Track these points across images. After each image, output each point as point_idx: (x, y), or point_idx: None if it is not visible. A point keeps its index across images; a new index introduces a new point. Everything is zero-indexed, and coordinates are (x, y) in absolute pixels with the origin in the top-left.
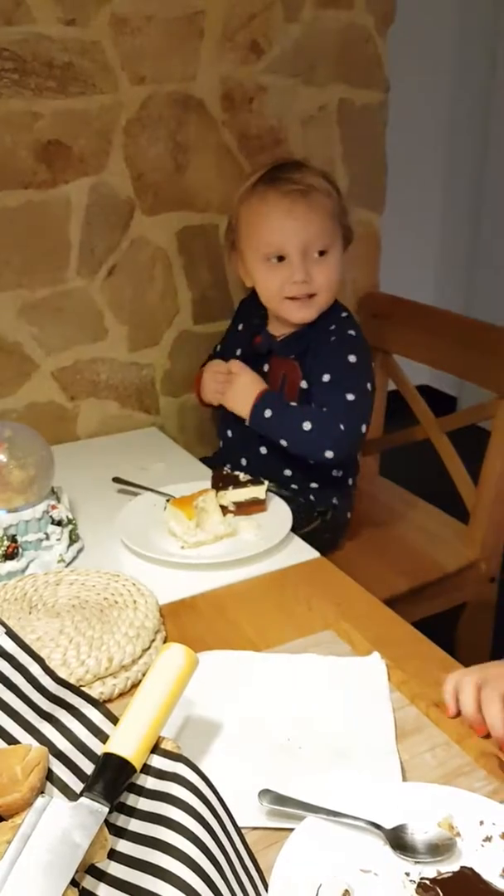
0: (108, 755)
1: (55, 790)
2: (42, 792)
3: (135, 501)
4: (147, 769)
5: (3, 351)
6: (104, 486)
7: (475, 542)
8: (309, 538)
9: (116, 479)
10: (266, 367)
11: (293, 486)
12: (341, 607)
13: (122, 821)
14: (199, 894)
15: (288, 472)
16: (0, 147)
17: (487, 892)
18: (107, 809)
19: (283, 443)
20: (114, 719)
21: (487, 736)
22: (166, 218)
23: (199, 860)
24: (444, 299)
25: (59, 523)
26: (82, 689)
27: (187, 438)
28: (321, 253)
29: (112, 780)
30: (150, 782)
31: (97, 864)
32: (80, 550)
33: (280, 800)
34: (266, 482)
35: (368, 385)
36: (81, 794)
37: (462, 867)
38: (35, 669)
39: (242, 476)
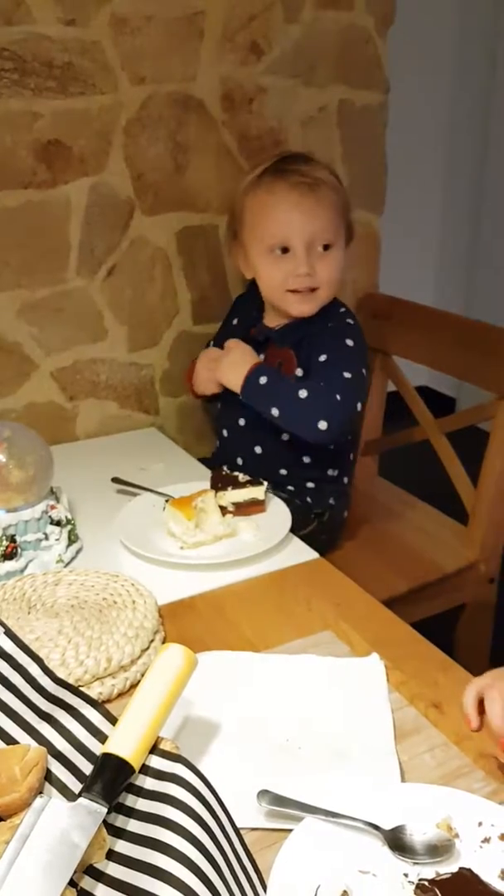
0: (106, 755)
1: (54, 790)
2: (41, 792)
3: (134, 502)
4: (146, 770)
5: (2, 351)
6: (103, 487)
7: (474, 543)
8: (307, 540)
9: (115, 480)
10: (262, 357)
11: (289, 487)
12: (340, 608)
13: (120, 821)
14: (198, 895)
15: (283, 472)
16: (0, 147)
17: (486, 894)
18: (105, 810)
19: (276, 412)
20: (112, 720)
21: None
22: (166, 218)
23: (198, 861)
24: (444, 300)
25: (58, 523)
26: (81, 689)
27: (186, 439)
28: (326, 247)
29: (111, 780)
30: (148, 783)
31: (96, 865)
32: (79, 551)
33: (279, 800)
34: (265, 483)
35: (364, 370)
36: (80, 795)
37: (461, 868)
38: (34, 670)
39: (242, 476)
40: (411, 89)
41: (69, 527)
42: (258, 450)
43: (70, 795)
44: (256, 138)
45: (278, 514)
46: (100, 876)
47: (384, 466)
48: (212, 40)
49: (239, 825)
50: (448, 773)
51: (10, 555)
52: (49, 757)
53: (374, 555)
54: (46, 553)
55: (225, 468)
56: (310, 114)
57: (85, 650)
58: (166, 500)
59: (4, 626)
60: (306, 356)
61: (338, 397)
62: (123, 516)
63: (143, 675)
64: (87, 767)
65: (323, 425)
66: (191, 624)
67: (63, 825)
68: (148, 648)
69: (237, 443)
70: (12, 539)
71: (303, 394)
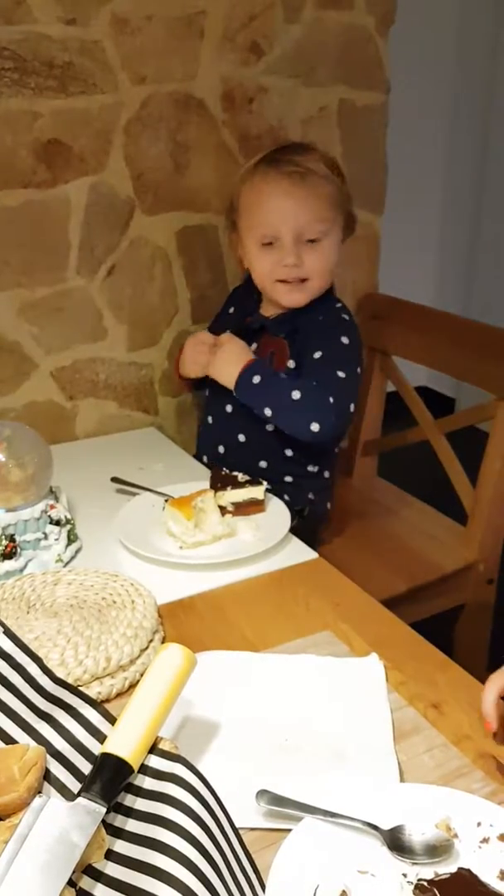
0: (105, 755)
1: (53, 790)
2: (39, 792)
3: (133, 501)
4: (145, 769)
5: (2, 350)
6: (103, 486)
7: (473, 544)
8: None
9: (115, 479)
10: (255, 346)
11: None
12: (339, 608)
13: (119, 821)
14: (197, 895)
15: (263, 464)
16: (0, 146)
17: (485, 894)
18: (104, 809)
19: (268, 412)
20: (112, 719)
21: None
22: (166, 218)
23: (197, 861)
24: (444, 300)
25: (57, 523)
26: (80, 689)
27: (185, 439)
28: (315, 239)
29: (110, 780)
30: (147, 782)
31: (94, 865)
32: (78, 550)
33: (278, 800)
34: (264, 483)
35: (358, 369)
36: (79, 794)
37: (459, 868)
38: (33, 669)
39: (241, 476)
40: (412, 89)
41: (68, 526)
42: (241, 438)
43: (69, 795)
44: (256, 138)
45: (277, 514)
46: (99, 876)
47: (384, 466)
48: (212, 40)
49: (238, 825)
50: (447, 773)
51: (9, 554)
52: (48, 756)
53: (373, 555)
54: (46, 552)
55: (224, 469)
56: (310, 114)
57: (84, 650)
58: (166, 500)
59: (4, 625)
60: (300, 347)
61: (331, 400)
62: (123, 516)
63: (142, 675)
64: (86, 767)
65: (315, 427)
66: (190, 624)
67: (62, 825)
68: (147, 648)
69: (221, 430)
70: (11, 538)
71: (296, 395)
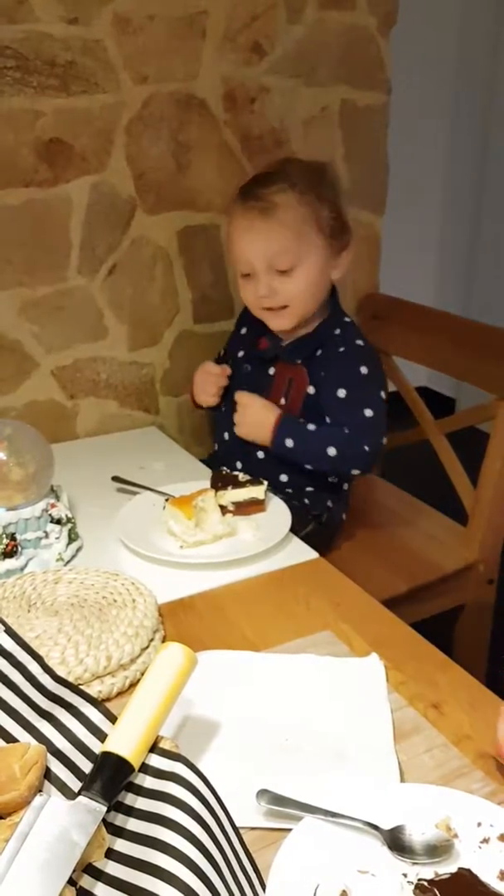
0: (106, 754)
1: (53, 789)
2: (40, 790)
3: (134, 501)
4: (145, 768)
5: (3, 349)
6: (103, 485)
7: (473, 544)
8: (304, 541)
9: (116, 479)
10: (272, 371)
11: (288, 490)
12: (340, 608)
13: (120, 820)
14: (197, 894)
15: (284, 478)
16: (2, 145)
17: (485, 894)
18: (105, 808)
19: (308, 467)
20: (112, 718)
21: None
22: (167, 217)
23: (198, 860)
24: (444, 300)
25: (58, 522)
26: (81, 687)
27: (186, 438)
28: (287, 270)
29: (110, 779)
30: (148, 781)
31: (95, 864)
32: (79, 549)
33: (278, 800)
34: (265, 482)
35: (382, 394)
36: (79, 793)
37: (460, 868)
38: (34, 668)
39: (242, 476)
40: (413, 90)
41: (69, 525)
42: (260, 454)
43: (69, 794)
44: (258, 138)
45: (278, 513)
46: (99, 875)
47: (384, 467)
48: (214, 40)
49: (238, 824)
50: (447, 773)
51: (10, 553)
52: (49, 755)
53: (373, 555)
54: (46, 551)
55: (225, 468)
56: (312, 114)
57: (85, 649)
58: (166, 500)
59: (4, 623)
60: (318, 375)
61: (366, 448)
62: (123, 515)
63: (142, 674)
64: (86, 766)
65: (356, 472)
66: (190, 623)
67: (62, 823)
68: (148, 647)
69: (238, 446)
70: (12, 537)
71: (332, 452)
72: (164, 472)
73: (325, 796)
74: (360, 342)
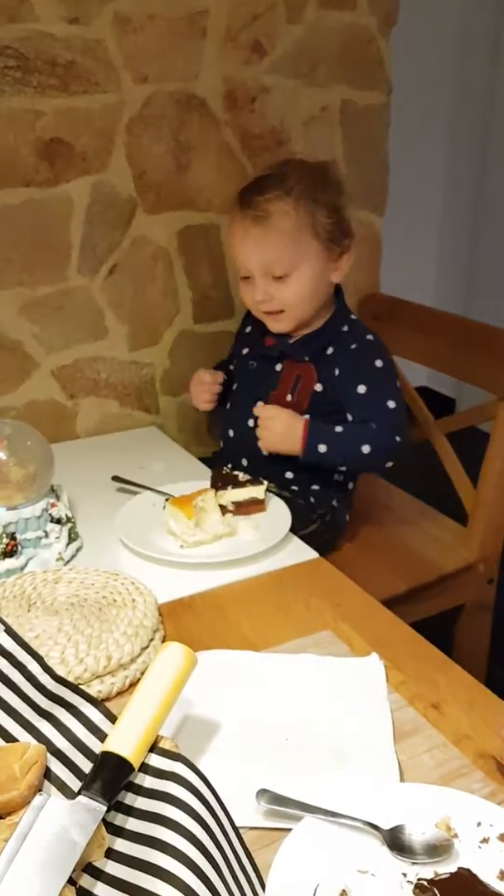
0: (106, 754)
1: (53, 788)
2: (40, 790)
3: (134, 500)
4: (145, 768)
5: (3, 349)
6: (103, 485)
7: (473, 544)
8: (307, 540)
9: (116, 478)
10: (279, 367)
11: (293, 487)
12: (340, 608)
13: (119, 820)
14: (197, 894)
15: (289, 475)
16: (2, 145)
17: (485, 894)
18: (104, 808)
19: (342, 467)
20: (112, 718)
21: None
22: (168, 217)
23: (197, 860)
24: (444, 300)
25: (58, 521)
26: (81, 687)
27: (186, 438)
28: (283, 276)
29: (110, 778)
30: (148, 781)
31: (95, 863)
32: (78, 549)
33: (278, 800)
34: (265, 482)
35: (398, 383)
36: (79, 793)
37: (459, 868)
38: (34, 667)
39: (242, 476)
40: (413, 90)
41: (69, 525)
42: (265, 451)
43: (69, 793)
44: (258, 138)
45: (278, 513)
46: (99, 874)
47: None
48: (214, 39)
49: (238, 824)
50: (447, 773)
51: (10, 552)
52: (48, 755)
53: (373, 555)
54: (46, 551)
55: (225, 468)
56: (312, 113)
57: (85, 648)
58: (166, 499)
59: (4, 623)
60: (327, 371)
61: (397, 439)
62: (123, 515)
63: (142, 674)
64: (86, 765)
65: (389, 464)
66: (190, 623)
67: (62, 823)
68: (147, 647)
69: (244, 443)
70: (12, 536)
71: (366, 449)
72: (163, 472)
73: (325, 796)
74: (370, 337)
